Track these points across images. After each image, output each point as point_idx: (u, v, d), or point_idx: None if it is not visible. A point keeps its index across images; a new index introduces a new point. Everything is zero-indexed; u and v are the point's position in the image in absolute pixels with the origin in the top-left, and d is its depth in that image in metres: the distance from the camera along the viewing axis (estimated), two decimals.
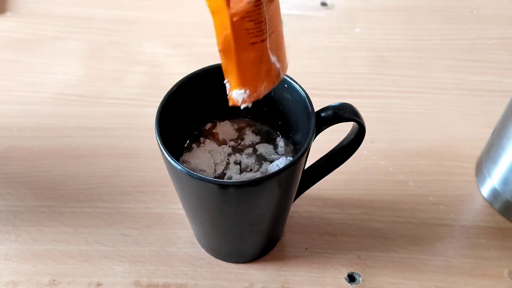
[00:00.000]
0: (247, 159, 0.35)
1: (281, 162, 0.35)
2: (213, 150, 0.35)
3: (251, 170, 0.35)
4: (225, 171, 0.35)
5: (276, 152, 0.36)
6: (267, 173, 0.34)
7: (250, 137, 0.37)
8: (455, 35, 0.57)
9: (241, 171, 0.35)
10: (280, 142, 0.36)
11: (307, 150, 0.31)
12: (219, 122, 0.37)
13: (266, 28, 0.25)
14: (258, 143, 0.36)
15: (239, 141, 0.36)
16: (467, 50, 0.55)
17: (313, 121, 0.31)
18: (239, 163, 0.35)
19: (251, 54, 0.26)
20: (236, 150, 0.36)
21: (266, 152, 0.36)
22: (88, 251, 0.40)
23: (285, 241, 0.40)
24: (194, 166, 0.34)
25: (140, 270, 0.39)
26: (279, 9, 0.27)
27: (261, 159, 0.35)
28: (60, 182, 0.44)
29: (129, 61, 0.54)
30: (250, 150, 0.36)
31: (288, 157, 0.35)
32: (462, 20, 0.59)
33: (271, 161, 0.35)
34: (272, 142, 0.36)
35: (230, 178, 0.34)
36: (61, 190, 0.43)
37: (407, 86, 0.52)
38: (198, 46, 0.56)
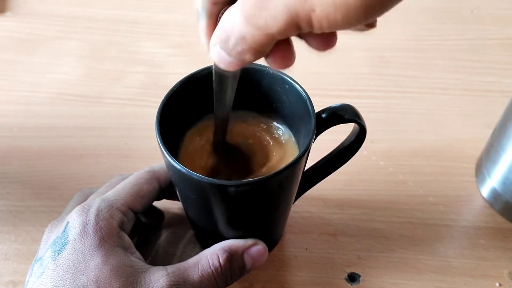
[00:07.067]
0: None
1: None
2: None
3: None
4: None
5: None
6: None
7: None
8: (455, 35, 0.57)
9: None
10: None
11: (307, 151, 0.31)
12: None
13: None
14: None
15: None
16: (467, 50, 0.55)
17: (313, 122, 0.31)
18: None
19: None
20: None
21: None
22: None
23: (285, 241, 0.40)
24: None
25: None
26: None
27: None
28: (60, 182, 0.44)
29: (129, 61, 0.54)
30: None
31: None
32: (462, 20, 0.59)
33: None
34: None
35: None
36: (61, 190, 0.43)
37: (407, 86, 0.52)
38: (198, 46, 0.55)
